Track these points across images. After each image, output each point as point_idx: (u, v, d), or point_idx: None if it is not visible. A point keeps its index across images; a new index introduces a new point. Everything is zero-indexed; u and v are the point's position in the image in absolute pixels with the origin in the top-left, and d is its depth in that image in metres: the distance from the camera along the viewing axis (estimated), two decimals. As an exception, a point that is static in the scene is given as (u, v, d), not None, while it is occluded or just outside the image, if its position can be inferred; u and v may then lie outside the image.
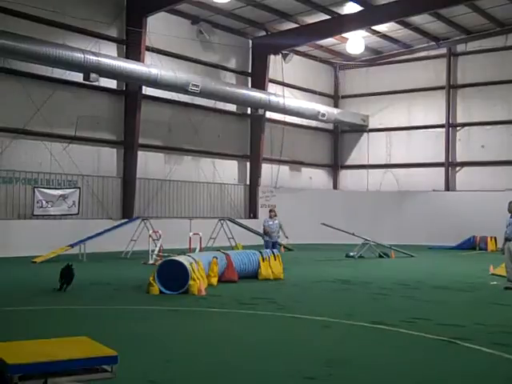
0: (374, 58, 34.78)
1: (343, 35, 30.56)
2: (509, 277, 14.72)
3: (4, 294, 12.90)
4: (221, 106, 29.58)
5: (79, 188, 24.04)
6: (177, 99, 27.47)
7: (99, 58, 22.72)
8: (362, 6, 27.39)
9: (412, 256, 24.09)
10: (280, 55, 31.52)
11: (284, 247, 25.11)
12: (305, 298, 13.29)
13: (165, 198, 27.75)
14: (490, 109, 31.68)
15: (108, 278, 15.88)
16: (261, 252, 16.77)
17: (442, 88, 32.99)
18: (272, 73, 31.26)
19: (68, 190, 23.71)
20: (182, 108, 28.10)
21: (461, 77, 32.81)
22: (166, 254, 19.32)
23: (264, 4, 27.42)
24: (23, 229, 22.12)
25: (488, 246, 27.82)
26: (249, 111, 30.95)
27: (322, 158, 36.08)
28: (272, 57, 31.09)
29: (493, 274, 17.31)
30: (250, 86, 30.60)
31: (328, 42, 32.18)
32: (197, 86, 25.68)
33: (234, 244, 24.03)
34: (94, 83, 23.58)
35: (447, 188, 32.81)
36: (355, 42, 30.67)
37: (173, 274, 13.28)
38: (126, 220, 24.34)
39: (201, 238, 21.29)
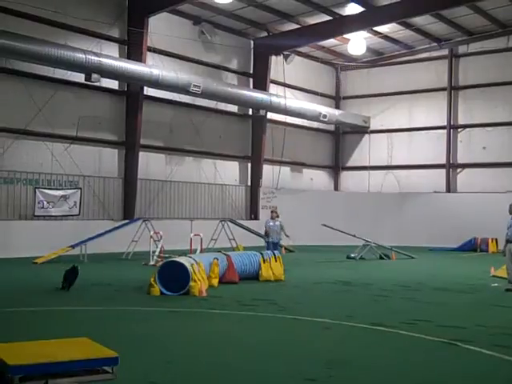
0: (376, 59, 34.78)
1: (345, 36, 30.57)
2: (510, 278, 14.71)
3: (5, 295, 12.90)
4: (222, 106, 29.59)
5: (80, 189, 24.04)
6: (178, 100, 27.49)
7: (101, 59, 22.72)
8: (363, 7, 27.39)
9: (413, 257, 24.09)
10: (281, 56, 31.52)
11: (285, 248, 25.10)
12: (305, 300, 13.29)
13: (166, 199, 27.75)
14: (491, 110, 31.67)
15: (109, 279, 15.88)
16: (262, 253, 16.77)
17: (443, 89, 32.97)
18: (273, 74, 31.27)
19: (69, 191, 23.72)
20: (183, 109, 28.11)
21: (462, 78, 32.81)
22: (166, 255, 19.32)
23: (265, 5, 27.43)
24: (24, 229, 22.11)
25: (489, 248, 27.83)
26: (250, 112, 30.98)
27: (323, 160, 36.08)
28: (273, 57, 31.10)
29: (494, 276, 17.30)
30: (251, 86, 30.61)
31: (329, 42, 32.18)
32: (198, 86, 25.69)
33: (234, 245, 24.01)
34: (95, 84, 23.58)
35: (448, 190, 32.79)
36: (357, 43, 30.66)
37: (174, 275, 13.28)
38: (127, 221, 24.32)
39: (202, 239, 21.27)
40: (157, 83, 24.77)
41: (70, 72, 23.23)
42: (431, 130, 33.45)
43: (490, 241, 27.90)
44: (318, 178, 35.77)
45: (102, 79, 23.51)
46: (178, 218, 27.54)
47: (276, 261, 16.58)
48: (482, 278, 17.34)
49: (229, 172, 30.73)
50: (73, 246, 20.79)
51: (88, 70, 22.44)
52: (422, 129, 33.71)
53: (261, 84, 30.43)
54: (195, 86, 25.59)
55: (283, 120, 32.31)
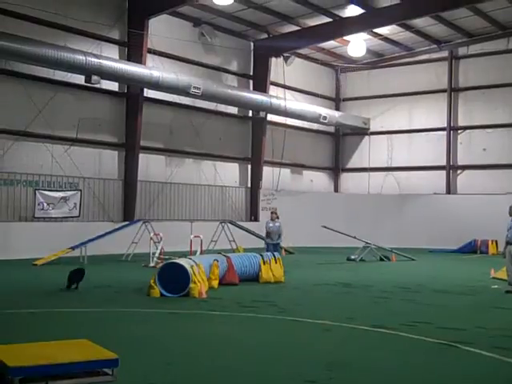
0: (376, 60, 34.79)
1: (345, 38, 30.56)
2: (510, 280, 14.71)
3: (5, 297, 12.89)
4: (222, 108, 29.60)
5: (80, 190, 24.04)
6: (178, 101, 27.50)
7: (101, 61, 22.73)
8: (363, 8, 27.41)
9: (413, 259, 24.07)
10: (281, 58, 31.55)
11: (285, 250, 25.10)
12: (306, 301, 13.29)
13: (166, 201, 27.75)
14: (491, 112, 31.68)
15: (109, 281, 15.87)
16: (262, 255, 16.77)
17: (443, 91, 32.99)
18: (273, 75, 31.28)
19: (69, 193, 23.71)
20: (183, 110, 28.11)
21: (462, 80, 32.82)
22: (166, 257, 19.29)
23: (265, 6, 27.44)
24: (24, 231, 22.12)
25: (489, 250, 27.81)
26: (250, 114, 30.99)
27: (323, 161, 36.08)
28: (273, 59, 31.12)
29: (494, 278, 17.30)
30: (251, 88, 30.62)
31: (329, 44, 32.20)
32: (198, 88, 25.70)
33: (234, 247, 24.01)
34: (95, 85, 23.57)
35: (448, 191, 32.80)
36: (357, 44, 30.67)
37: (174, 277, 13.28)
38: (127, 222, 24.31)
39: (202, 241, 21.28)
40: (157, 85, 24.78)
41: (70, 74, 23.24)
42: (431, 131, 33.46)
43: (490, 242, 27.88)
44: (318, 180, 35.77)
45: (102, 81, 23.53)
46: (178, 220, 27.55)
47: (276, 262, 16.57)
48: (482, 279, 17.33)
49: (229, 174, 30.73)
50: (73, 248, 20.79)
51: (88, 71, 22.46)
52: (422, 130, 33.73)
53: (261, 86, 30.44)
54: (195, 87, 25.60)
55: (283, 122, 32.32)
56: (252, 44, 31.09)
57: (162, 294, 13.16)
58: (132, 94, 25.69)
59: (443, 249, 28.59)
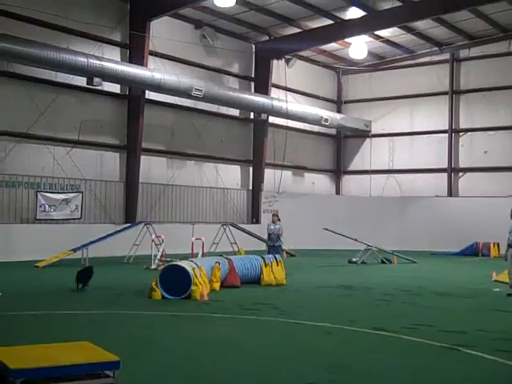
0: (377, 63, 34.80)
1: (346, 40, 30.59)
2: (511, 283, 14.68)
3: (6, 299, 12.88)
4: (224, 110, 29.61)
5: (82, 192, 24.05)
6: (180, 104, 27.52)
7: (102, 63, 22.77)
8: (364, 11, 27.42)
9: (414, 262, 24.05)
10: (283, 60, 31.55)
11: (287, 252, 25.09)
12: (307, 304, 13.28)
13: (167, 203, 27.76)
14: (492, 114, 31.68)
15: (110, 283, 15.86)
16: (263, 257, 16.76)
17: (444, 93, 33.01)
18: (275, 77, 31.29)
19: (71, 195, 23.73)
20: (184, 112, 28.13)
21: (464, 82, 32.82)
22: (168, 259, 19.29)
23: (267, 9, 27.47)
24: (26, 233, 22.13)
25: (491, 252, 27.76)
26: (252, 116, 31.00)
27: (324, 163, 36.09)
28: (275, 61, 31.14)
29: (495, 281, 17.27)
30: (252, 90, 30.64)
31: (331, 46, 32.22)
32: (200, 90, 25.72)
33: (236, 249, 24.01)
34: (97, 87, 23.60)
35: (450, 194, 32.79)
36: (358, 47, 30.69)
37: (175, 279, 13.28)
38: (128, 224, 24.30)
39: (203, 243, 21.27)
40: (158, 87, 24.81)
41: (71, 76, 23.26)
42: (432, 134, 33.46)
43: (491, 245, 27.85)
44: (320, 182, 35.77)
45: (104, 83, 23.57)
46: (180, 222, 27.55)
47: (278, 265, 16.56)
48: (483, 282, 17.32)
49: (230, 176, 30.74)
50: (74, 250, 20.77)
51: (90, 73, 22.50)
52: (423, 133, 33.73)
53: (262, 88, 30.46)
54: (197, 89, 25.62)
55: (285, 124, 32.32)
56: (253, 46, 31.12)
57: (163, 297, 13.16)
58: (134, 96, 25.71)
59: (445, 251, 28.56)
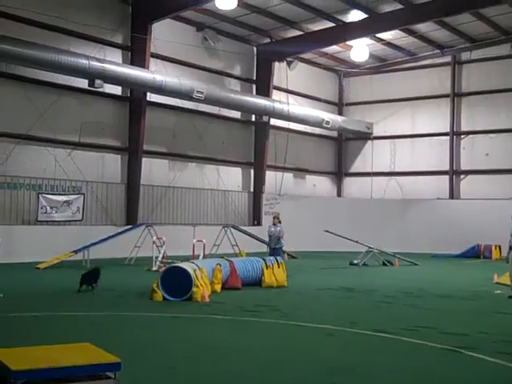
0: (379, 65, 34.81)
1: (347, 43, 30.60)
2: (513, 285, 14.68)
3: (7, 300, 12.89)
4: (225, 112, 29.62)
5: (83, 194, 24.06)
6: (181, 106, 27.52)
7: (104, 65, 22.79)
8: (366, 13, 27.42)
9: (415, 264, 24.04)
10: (284, 62, 31.58)
11: (288, 254, 25.09)
12: (308, 306, 13.28)
13: (169, 205, 27.77)
14: (494, 117, 31.66)
15: (112, 285, 15.85)
16: (264, 259, 16.76)
17: (446, 96, 33.00)
18: (276, 80, 31.31)
19: (72, 196, 23.74)
20: (186, 115, 28.14)
21: (465, 85, 32.82)
22: (169, 261, 19.30)
23: (268, 11, 27.48)
24: (27, 234, 22.13)
25: (492, 255, 27.76)
26: (253, 118, 30.98)
27: (326, 166, 36.09)
28: (276, 64, 31.16)
29: (497, 283, 17.27)
30: (254, 93, 30.66)
31: (332, 49, 32.23)
32: (201, 92, 25.74)
33: (237, 251, 24.01)
34: (98, 89, 23.63)
35: (451, 196, 32.77)
36: (359, 49, 30.69)
37: (176, 281, 13.29)
38: (129, 226, 24.33)
39: (204, 245, 21.29)
40: (160, 89, 24.83)
41: (73, 78, 23.28)
42: (434, 136, 33.45)
43: (493, 247, 27.84)
44: (321, 184, 35.77)
45: (105, 85, 23.59)
46: (181, 224, 27.54)
47: (279, 267, 16.56)
48: (484, 284, 17.31)
49: (232, 178, 30.74)
50: (76, 252, 20.80)
51: (91, 75, 22.51)
52: (424, 135, 33.71)
53: (264, 90, 30.48)
54: (198, 91, 25.63)
55: (286, 126, 32.33)
56: (255, 48, 31.13)
57: (164, 298, 13.17)
58: (135, 98, 25.72)
59: (446, 254, 28.54)
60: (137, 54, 25.35)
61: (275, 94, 31.27)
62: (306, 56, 32.84)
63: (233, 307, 12.60)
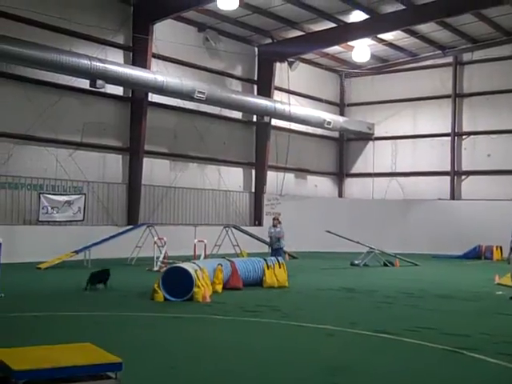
0: (380, 66, 34.79)
1: (349, 43, 30.58)
2: (514, 286, 14.68)
3: (8, 300, 12.89)
4: (226, 113, 29.62)
5: (85, 194, 24.06)
6: (182, 106, 27.52)
7: (106, 65, 22.79)
8: (367, 14, 27.41)
9: (416, 265, 24.04)
10: (286, 63, 31.56)
11: (289, 255, 25.10)
12: (309, 306, 13.28)
13: (170, 205, 27.77)
14: (495, 118, 31.64)
15: (113, 285, 15.81)
16: (265, 260, 16.77)
17: (447, 97, 32.98)
18: (278, 80, 31.30)
19: (73, 196, 23.75)
20: (187, 115, 28.14)
21: (467, 85, 32.81)
22: (170, 261, 19.32)
23: (270, 12, 27.48)
24: (28, 234, 22.12)
25: (493, 256, 27.73)
26: (254, 118, 30.97)
27: (327, 166, 36.08)
28: (278, 64, 31.15)
29: (498, 284, 17.26)
30: (255, 93, 30.66)
31: (334, 49, 32.22)
32: (203, 93, 25.73)
33: (238, 251, 24.01)
34: (100, 90, 23.62)
35: (452, 197, 32.75)
36: (361, 50, 30.66)
37: (177, 281, 13.29)
38: (131, 226, 24.33)
39: (206, 245, 21.29)
40: (161, 89, 24.83)
41: (74, 78, 23.29)
42: (435, 137, 33.43)
43: (494, 248, 27.80)
44: (323, 185, 35.76)
45: (107, 85, 23.58)
46: (182, 224, 27.55)
47: (280, 267, 16.57)
48: (486, 285, 17.30)
49: (233, 178, 30.75)
50: (77, 252, 20.80)
51: (93, 76, 22.51)
52: (426, 136, 33.70)
53: (265, 91, 30.47)
54: (200, 92, 25.63)
55: (287, 127, 32.31)
56: (256, 49, 31.13)
57: (165, 298, 13.18)
58: (136, 98, 25.73)
59: (447, 254, 28.51)
60: (138, 54, 25.35)
61: (276, 95, 31.27)
62: (307, 56, 32.83)
63: (234, 307, 12.60)
